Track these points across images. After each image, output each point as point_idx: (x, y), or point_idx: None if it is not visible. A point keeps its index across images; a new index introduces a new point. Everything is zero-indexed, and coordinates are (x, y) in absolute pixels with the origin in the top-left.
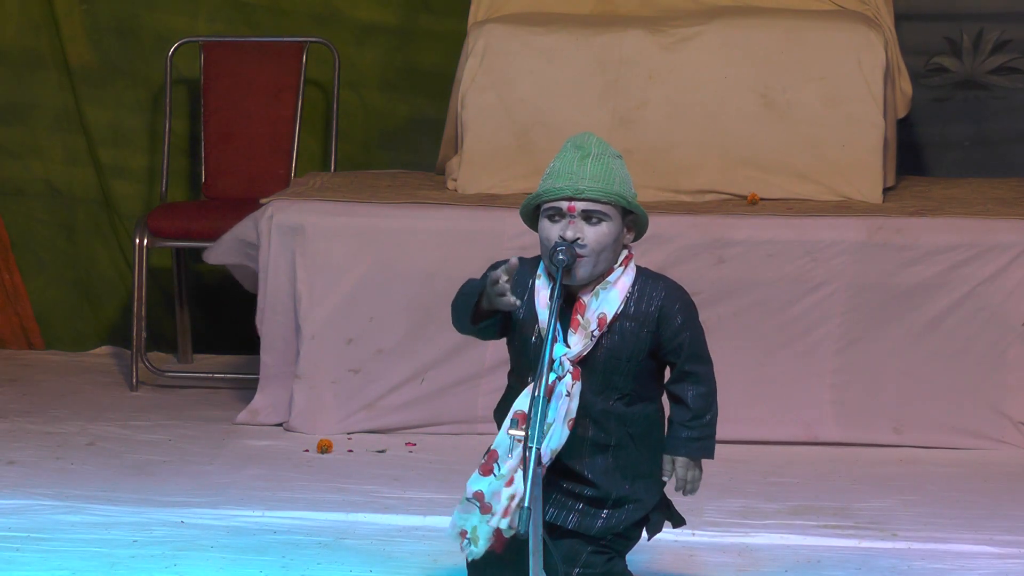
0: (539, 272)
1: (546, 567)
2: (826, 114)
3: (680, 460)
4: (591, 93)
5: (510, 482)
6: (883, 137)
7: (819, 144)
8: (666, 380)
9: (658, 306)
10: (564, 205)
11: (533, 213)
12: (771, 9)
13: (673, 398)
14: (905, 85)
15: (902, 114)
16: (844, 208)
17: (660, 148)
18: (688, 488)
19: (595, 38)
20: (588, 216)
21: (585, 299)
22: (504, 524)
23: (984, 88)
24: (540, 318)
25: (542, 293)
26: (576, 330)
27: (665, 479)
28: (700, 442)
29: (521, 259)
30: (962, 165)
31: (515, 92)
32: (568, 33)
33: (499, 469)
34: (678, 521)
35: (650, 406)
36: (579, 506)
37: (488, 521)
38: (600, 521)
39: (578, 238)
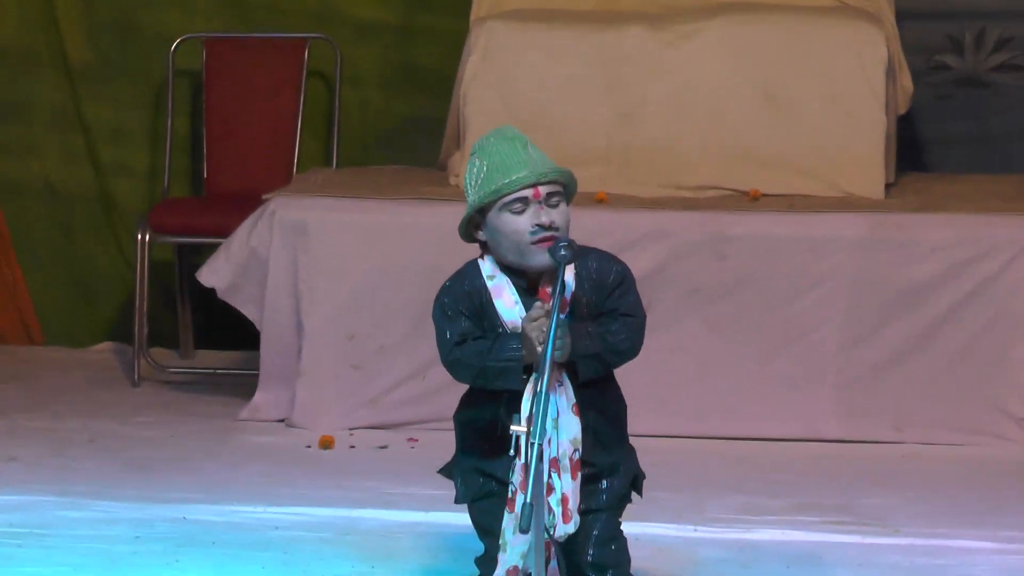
0: (487, 274)
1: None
2: (828, 110)
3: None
4: (593, 89)
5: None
6: (885, 133)
7: (821, 140)
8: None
9: (596, 274)
10: (529, 193)
11: (470, 220)
12: (773, 5)
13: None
14: (906, 81)
15: (903, 110)
16: (846, 204)
17: (661, 144)
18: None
19: (597, 34)
20: (549, 199)
21: (546, 287)
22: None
23: (986, 85)
24: (505, 318)
25: (504, 293)
26: None
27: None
28: (586, 337)
29: (450, 285)
30: (964, 163)
31: (517, 88)
32: (570, 29)
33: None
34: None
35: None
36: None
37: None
38: (604, 493)
39: (553, 221)
